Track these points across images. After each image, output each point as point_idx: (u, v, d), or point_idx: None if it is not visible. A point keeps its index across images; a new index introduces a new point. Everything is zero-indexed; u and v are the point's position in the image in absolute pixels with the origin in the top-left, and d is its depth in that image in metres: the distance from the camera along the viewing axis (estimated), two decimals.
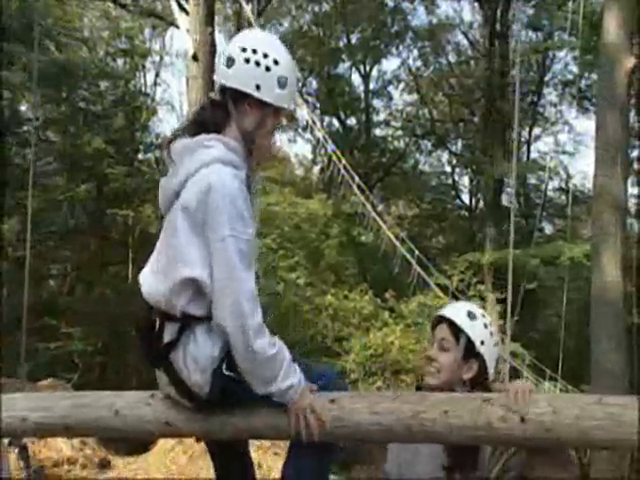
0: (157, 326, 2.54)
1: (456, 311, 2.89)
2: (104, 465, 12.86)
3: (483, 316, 2.89)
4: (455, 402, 2.45)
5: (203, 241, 2.47)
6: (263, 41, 2.63)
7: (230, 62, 2.57)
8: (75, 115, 19.38)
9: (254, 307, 2.43)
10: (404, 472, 2.82)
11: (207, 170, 2.49)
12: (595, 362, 11.18)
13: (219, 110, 2.62)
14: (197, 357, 2.48)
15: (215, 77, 2.63)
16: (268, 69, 2.56)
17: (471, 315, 2.86)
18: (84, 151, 18.63)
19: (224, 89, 2.61)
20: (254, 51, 2.56)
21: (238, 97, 2.58)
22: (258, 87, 2.56)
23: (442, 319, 2.88)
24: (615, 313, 11.52)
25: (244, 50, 2.56)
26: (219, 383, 2.48)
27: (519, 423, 2.32)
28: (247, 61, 2.55)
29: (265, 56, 2.56)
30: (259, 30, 2.79)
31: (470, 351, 2.83)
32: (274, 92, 2.58)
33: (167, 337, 2.52)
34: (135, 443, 13.13)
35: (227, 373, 2.48)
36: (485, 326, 2.86)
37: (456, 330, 2.84)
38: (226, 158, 2.52)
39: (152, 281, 2.58)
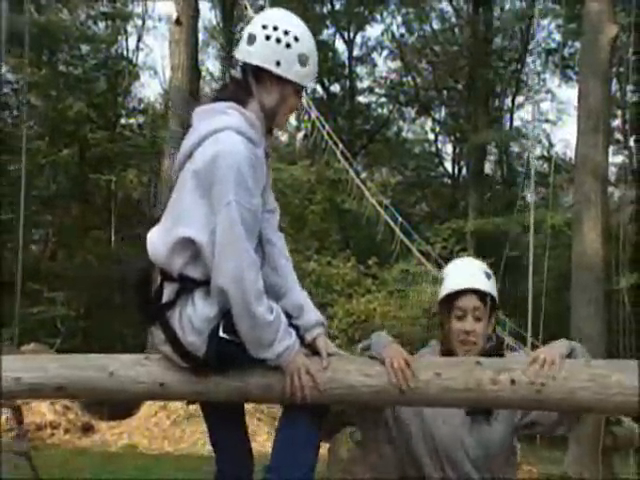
0: (157, 283, 2.57)
1: (477, 277, 2.89)
2: (87, 429, 12.93)
3: (489, 269, 2.95)
4: (447, 364, 2.50)
5: (208, 205, 2.50)
6: (284, 19, 2.65)
7: (251, 39, 2.59)
8: (56, 78, 19.16)
9: (256, 273, 2.48)
10: (430, 415, 2.84)
11: (219, 135, 2.52)
12: (575, 327, 11.34)
13: (240, 87, 2.65)
14: (193, 319, 2.51)
15: (237, 55, 2.65)
16: (289, 46, 2.58)
17: (487, 275, 2.90)
18: (66, 115, 18.45)
19: (245, 67, 2.64)
20: (275, 28, 2.58)
21: (259, 74, 2.61)
22: (278, 63, 2.58)
23: (468, 290, 2.86)
24: (595, 279, 11.66)
25: (265, 27, 2.59)
26: (215, 345, 2.51)
27: (509, 385, 2.37)
28: (268, 38, 2.57)
29: (286, 33, 2.58)
30: (282, 9, 2.74)
31: (492, 308, 2.89)
32: (294, 69, 2.59)
33: (165, 297, 2.56)
34: (119, 408, 13.19)
35: (223, 335, 2.50)
36: (494, 279, 2.94)
37: (482, 295, 2.86)
38: (241, 128, 2.55)
39: (156, 239, 2.61)
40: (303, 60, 2.60)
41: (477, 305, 2.83)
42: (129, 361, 2.66)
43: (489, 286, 2.87)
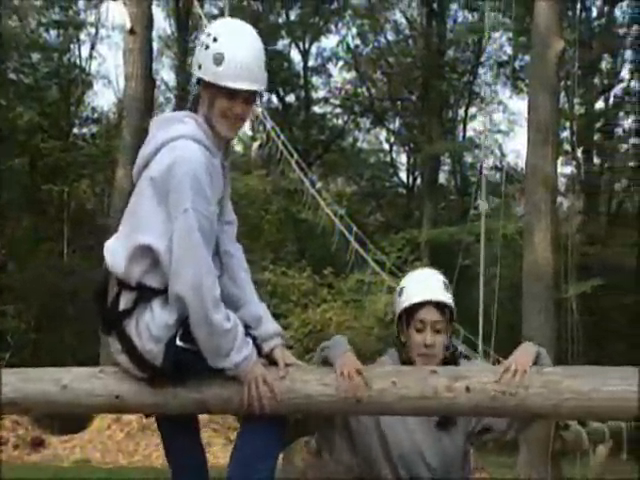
0: (114, 292, 2.56)
1: (437, 289, 2.88)
2: (38, 444, 12.69)
3: (446, 279, 2.95)
4: (402, 373, 2.52)
5: (166, 212, 2.49)
6: (218, 24, 2.70)
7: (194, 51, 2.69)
8: (6, 87, 18.88)
9: (213, 280, 2.48)
10: (388, 424, 2.84)
11: (176, 143, 2.53)
12: (526, 335, 11.50)
13: (195, 97, 2.71)
14: (151, 326, 2.50)
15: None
16: (207, 47, 2.57)
17: (446, 285, 2.90)
18: (16, 124, 18.18)
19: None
20: (207, 34, 2.61)
21: (200, 83, 2.64)
22: (200, 67, 2.59)
23: (427, 302, 2.84)
24: (545, 288, 11.86)
25: (207, 35, 2.63)
26: (172, 353, 2.49)
27: (464, 392, 2.40)
28: (201, 45, 2.62)
29: (208, 35, 2.59)
30: (230, 18, 2.82)
31: (451, 319, 2.89)
32: (211, 70, 2.56)
33: (122, 305, 2.54)
34: (71, 422, 12.99)
35: (180, 344, 2.49)
36: (449, 288, 2.93)
37: (442, 307, 2.86)
38: (197, 136, 2.56)
39: (114, 247, 2.59)
40: (218, 59, 2.55)
41: (437, 318, 2.82)
42: (84, 374, 2.63)
43: (448, 298, 2.88)
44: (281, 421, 2.61)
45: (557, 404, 2.35)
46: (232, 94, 2.57)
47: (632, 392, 2.28)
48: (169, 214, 2.48)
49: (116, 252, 2.57)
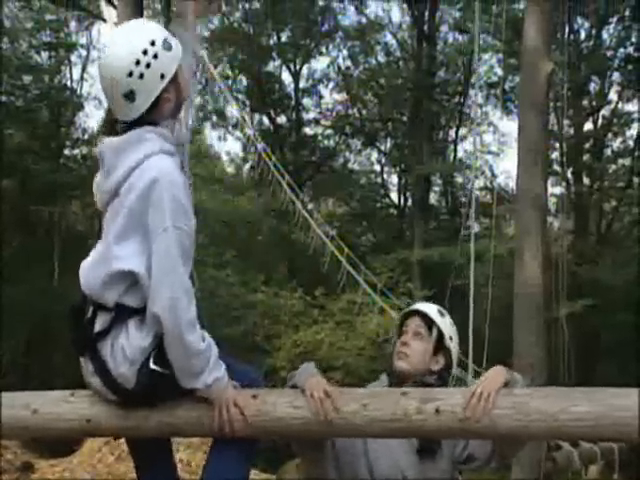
0: (90, 313, 2.55)
1: (427, 307, 3.06)
2: (26, 468, 12.57)
3: (449, 316, 3.07)
4: (374, 395, 2.53)
5: (142, 235, 2.49)
6: (150, 28, 2.62)
7: (131, 96, 2.54)
8: None
9: (189, 301, 2.47)
10: (374, 448, 2.86)
11: (149, 163, 2.51)
12: (517, 356, 11.51)
13: (135, 125, 2.62)
14: (126, 348, 2.49)
15: (123, 119, 2.59)
16: (156, 56, 2.53)
17: (441, 312, 3.04)
18: (7, 146, 18.18)
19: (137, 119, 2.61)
20: (137, 62, 2.52)
21: (154, 102, 2.59)
22: (163, 76, 2.56)
23: (415, 312, 3.03)
24: (536, 308, 11.88)
25: (138, 63, 2.52)
26: (145, 376, 2.49)
27: (434, 414, 2.41)
28: (141, 76, 2.53)
29: (145, 53, 2.52)
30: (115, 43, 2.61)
31: (440, 344, 2.97)
32: (171, 59, 2.58)
33: (98, 327, 2.53)
34: (60, 445, 12.89)
35: (153, 367, 2.49)
36: (451, 324, 3.05)
37: (429, 322, 2.97)
38: (164, 147, 2.56)
39: (88, 271, 2.59)
40: (167, 45, 2.56)
41: (419, 324, 2.96)
42: (54, 398, 2.63)
43: (439, 319, 3.00)
44: (252, 444, 2.61)
45: (525, 425, 2.35)
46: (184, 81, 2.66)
47: (598, 413, 2.28)
48: (147, 234, 2.47)
49: (90, 277, 2.57)
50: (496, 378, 2.49)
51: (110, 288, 2.51)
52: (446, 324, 3.00)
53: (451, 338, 3.00)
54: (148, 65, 2.52)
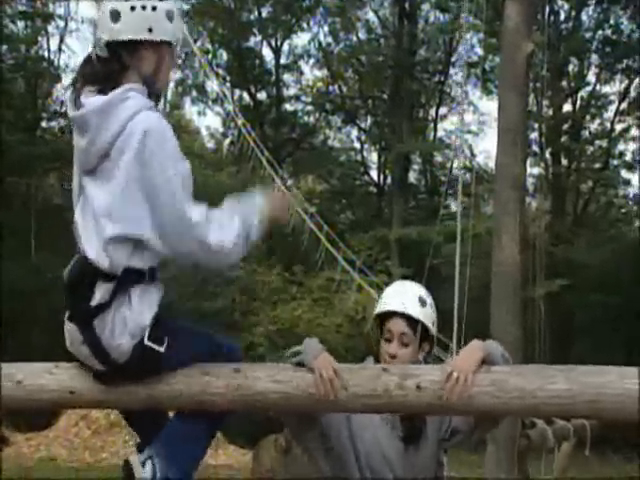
0: (89, 283, 2.53)
1: (409, 302, 2.90)
2: (2, 442, 12.56)
3: (427, 296, 2.95)
4: (354, 372, 2.55)
5: (144, 192, 2.49)
6: None
7: (115, 16, 2.56)
8: None
9: (206, 227, 2.53)
10: (356, 429, 2.87)
11: (137, 119, 2.51)
12: (494, 336, 11.61)
13: (112, 64, 2.60)
14: (128, 322, 2.50)
15: (103, 35, 2.58)
16: (154, 8, 2.57)
17: (422, 301, 2.91)
18: None
19: (112, 45, 2.59)
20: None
21: (132, 46, 2.59)
22: (150, 30, 2.58)
23: (396, 313, 2.88)
24: (513, 288, 11.95)
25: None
26: (138, 351, 2.50)
27: (414, 390, 2.43)
28: (133, 9, 2.56)
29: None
30: None
31: (424, 335, 2.91)
32: (166, 29, 2.61)
33: (98, 297, 2.51)
34: (36, 419, 12.88)
35: (148, 343, 2.51)
36: (431, 306, 2.94)
37: (412, 322, 2.88)
38: (148, 104, 2.57)
39: (86, 239, 2.56)
40: (170, 16, 2.61)
41: (404, 331, 2.86)
42: (38, 369, 2.64)
43: (421, 313, 2.89)
44: (219, 415, 2.66)
45: (504, 402, 2.39)
46: (174, 46, 2.67)
47: (575, 391, 2.33)
48: (149, 189, 2.49)
49: (91, 242, 2.54)
50: (472, 357, 2.48)
51: (115, 253, 2.50)
52: (428, 313, 2.91)
53: (433, 323, 2.93)
54: (144, 7, 2.57)
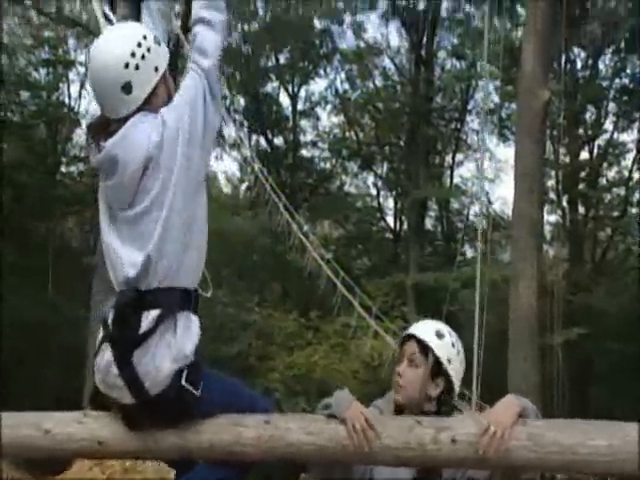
0: (133, 313, 2.52)
1: (424, 329, 2.93)
2: None
3: (450, 335, 2.93)
4: (388, 423, 2.51)
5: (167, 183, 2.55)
6: (137, 28, 2.69)
7: (128, 88, 2.56)
8: None
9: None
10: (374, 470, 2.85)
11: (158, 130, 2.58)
12: (512, 383, 11.50)
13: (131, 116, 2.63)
14: (172, 346, 2.50)
15: (120, 113, 2.59)
16: (149, 50, 2.59)
17: (439, 334, 2.90)
18: (3, 161, 18.16)
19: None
20: (132, 54, 2.57)
21: (147, 98, 2.62)
22: (157, 69, 2.62)
23: (411, 337, 2.92)
24: (530, 335, 11.89)
25: (127, 66, 2.56)
26: (173, 389, 2.49)
27: (449, 444, 2.39)
28: (137, 67, 2.57)
29: (139, 45, 2.58)
30: (104, 38, 2.67)
31: (437, 369, 2.87)
32: (164, 55, 2.65)
33: (145, 326, 2.51)
34: (51, 464, 12.75)
35: (184, 384, 2.50)
36: (452, 345, 2.91)
37: (424, 347, 2.88)
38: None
39: (129, 264, 2.56)
40: (158, 40, 2.65)
41: (413, 351, 2.86)
42: (66, 418, 2.62)
43: (436, 343, 2.88)
44: (246, 468, 2.64)
45: (541, 457, 2.35)
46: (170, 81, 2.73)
47: (616, 447, 2.28)
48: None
49: (129, 265, 2.55)
50: (509, 410, 2.45)
51: (161, 270, 2.52)
52: (444, 346, 2.88)
53: (449, 361, 2.88)
54: (143, 57, 2.57)
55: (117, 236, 2.60)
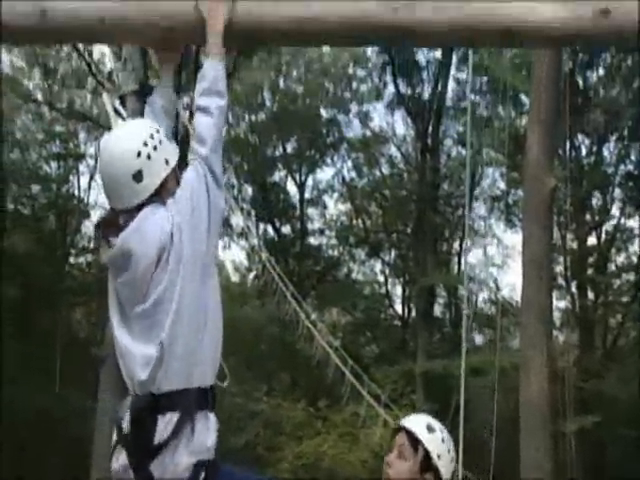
0: (148, 420, 2.49)
1: (416, 422, 2.96)
2: None
3: (441, 431, 2.94)
4: None
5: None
6: (146, 124, 2.75)
7: (138, 176, 2.61)
8: (3, 216, 19.12)
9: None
10: None
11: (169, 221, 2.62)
12: (524, 471, 11.25)
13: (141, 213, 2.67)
14: (190, 444, 2.47)
15: (130, 202, 2.63)
16: (161, 142, 2.66)
17: (430, 428, 2.92)
18: (12, 253, 18.31)
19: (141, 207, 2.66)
20: (144, 144, 2.63)
21: (157, 190, 2.67)
22: (167, 161, 2.68)
23: (402, 428, 2.94)
24: (542, 422, 11.67)
25: (139, 154, 2.61)
26: None
27: None
28: (149, 157, 2.62)
29: (145, 144, 2.63)
30: (115, 134, 2.75)
31: (427, 463, 2.87)
32: (174, 149, 2.72)
33: (162, 434, 2.47)
34: None
35: None
36: (442, 440, 2.91)
37: (414, 440, 2.88)
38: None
39: (139, 355, 2.55)
40: (169, 137, 2.72)
41: (403, 442, 2.89)
42: None
43: (426, 437, 2.89)
44: None
45: None
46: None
47: None
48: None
49: (143, 367, 2.53)
50: None
51: (177, 370, 2.50)
52: (434, 440, 2.88)
53: (439, 456, 2.87)
54: (155, 148, 2.62)
55: (128, 332, 2.59)
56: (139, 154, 2.59)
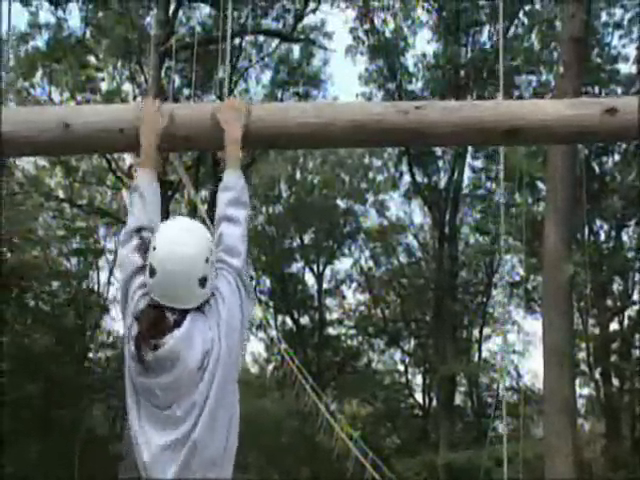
0: None
1: None
2: None
3: None
4: None
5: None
6: (160, 228, 2.77)
7: (203, 282, 2.67)
8: (24, 314, 19.16)
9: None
10: None
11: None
12: None
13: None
14: None
15: (185, 305, 2.67)
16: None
17: None
18: (32, 350, 18.29)
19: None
20: (210, 251, 2.73)
21: None
22: (207, 260, 2.70)
23: None
24: None
25: (207, 257, 2.69)
26: None
27: None
28: (207, 260, 2.70)
29: (210, 245, 2.72)
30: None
31: None
32: (211, 246, 2.73)
33: None
34: None
35: None
36: None
37: None
38: None
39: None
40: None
41: None
42: None
43: None
44: None
45: None
46: None
47: None
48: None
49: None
50: None
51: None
52: None
53: None
54: (212, 254, 2.70)
55: (154, 430, 2.59)
56: (207, 260, 2.65)
